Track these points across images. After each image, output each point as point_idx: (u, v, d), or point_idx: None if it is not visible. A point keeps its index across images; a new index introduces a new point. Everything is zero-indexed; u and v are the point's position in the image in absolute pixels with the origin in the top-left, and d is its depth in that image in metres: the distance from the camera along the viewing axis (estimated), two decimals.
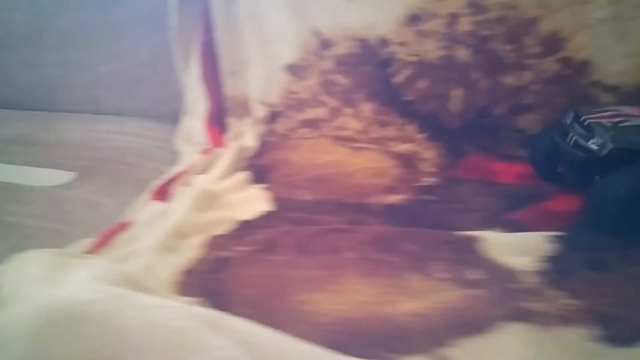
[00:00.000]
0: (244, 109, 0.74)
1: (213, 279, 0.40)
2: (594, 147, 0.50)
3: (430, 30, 0.71)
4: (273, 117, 0.74)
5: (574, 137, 0.53)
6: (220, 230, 0.47)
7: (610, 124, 0.51)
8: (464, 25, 0.70)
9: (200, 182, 0.58)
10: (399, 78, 0.72)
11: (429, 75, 0.71)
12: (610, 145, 0.49)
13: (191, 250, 0.44)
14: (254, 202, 0.53)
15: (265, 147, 0.70)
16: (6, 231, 0.54)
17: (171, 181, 0.60)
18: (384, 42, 0.72)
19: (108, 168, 0.70)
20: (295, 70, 0.73)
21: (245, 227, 0.48)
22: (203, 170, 0.62)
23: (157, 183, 0.61)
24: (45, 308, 0.33)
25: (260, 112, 0.74)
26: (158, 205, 0.52)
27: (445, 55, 0.71)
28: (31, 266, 0.38)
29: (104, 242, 0.48)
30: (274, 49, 0.73)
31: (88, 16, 0.79)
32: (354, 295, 0.38)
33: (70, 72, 0.81)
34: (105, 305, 0.33)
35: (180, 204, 0.50)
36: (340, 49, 0.73)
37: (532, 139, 0.63)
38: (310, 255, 0.42)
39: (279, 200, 0.53)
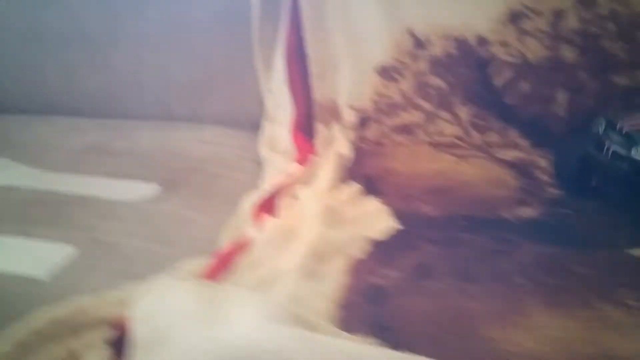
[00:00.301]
0: (332, 114, 0.70)
1: (376, 312, 0.36)
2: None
3: (533, 29, 0.66)
4: (363, 122, 0.69)
5: (612, 148, 0.47)
6: (355, 251, 0.43)
7: None
8: (571, 22, 0.65)
9: (309, 194, 0.54)
10: (498, 80, 0.68)
11: (531, 76, 0.67)
12: None
13: (336, 277, 0.39)
14: (376, 217, 0.49)
15: (360, 155, 0.65)
16: (105, 252, 0.50)
17: (275, 194, 0.56)
18: (483, 41, 0.67)
19: (192, 179, 0.66)
20: (387, 72, 0.69)
21: (384, 248, 0.44)
22: (306, 181, 0.58)
23: (259, 196, 0.56)
24: (216, 354, 0.29)
25: (350, 117, 0.69)
26: (277, 222, 0.48)
27: (549, 56, 0.66)
28: (175, 300, 0.34)
29: (223, 265, 0.44)
30: (364, 49, 0.69)
31: (162, 18, 0.75)
32: (548, 331, 0.33)
33: (142, 76, 0.77)
34: (292, 351, 0.28)
35: (309, 221, 0.46)
36: (436, 49, 0.68)
37: (557, 151, 0.57)
38: (475, 282, 0.38)
39: (402, 216, 0.49)
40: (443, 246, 0.43)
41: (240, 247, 0.46)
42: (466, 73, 0.68)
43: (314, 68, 0.69)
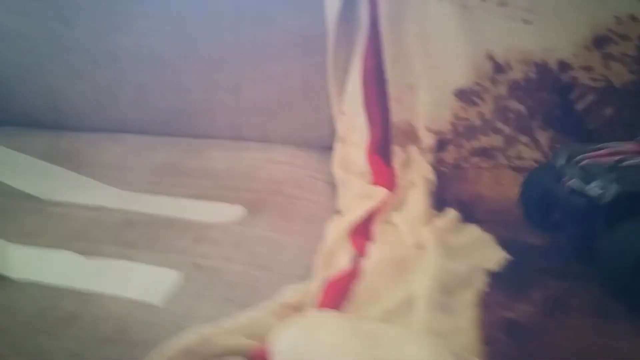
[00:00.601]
0: (409, 136, 0.70)
1: (520, 349, 0.35)
2: (595, 192, 0.42)
3: (619, 53, 0.66)
4: (441, 145, 0.69)
5: (570, 182, 0.45)
6: (477, 283, 0.42)
7: (611, 164, 0.43)
8: None
9: (405, 220, 0.53)
10: (580, 105, 0.67)
11: (616, 101, 0.66)
12: (615, 189, 0.41)
13: (467, 310, 0.39)
14: (484, 247, 0.48)
15: (442, 179, 0.65)
16: (208, 277, 0.50)
17: (368, 219, 0.56)
18: (565, 66, 0.67)
19: (273, 201, 0.66)
20: (466, 95, 0.69)
21: (504, 280, 0.43)
22: (397, 206, 0.58)
23: (351, 220, 0.56)
24: None
25: (428, 139, 0.69)
26: (384, 250, 0.48)
27: (635, 80, 0.66)
28: (322, 334, 0.34)
29: (340, 294, 0.44)
30: (443, 73, 0.69)
31: (236, 39, 0.75)
32: None
33: (215, 97, 0.77)
34: None
35: (421, 250, 0.45)
36: (516, 74, 0.68)
37: (522, 183, 0.55)
38: (614, 319, 0.37)
39: (508, 245, 0.48)
40: (565, 279, 0.42)
41: (350, 277, 0.46)
42: (546, 97, 0.68)
43: (392, 91, 0.69)
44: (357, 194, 0.65)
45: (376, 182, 0.66)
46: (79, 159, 0.74)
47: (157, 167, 0.72)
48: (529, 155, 0.68)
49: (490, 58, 0.68)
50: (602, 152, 0.47)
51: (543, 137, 0.68)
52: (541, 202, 0.50)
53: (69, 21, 0.80)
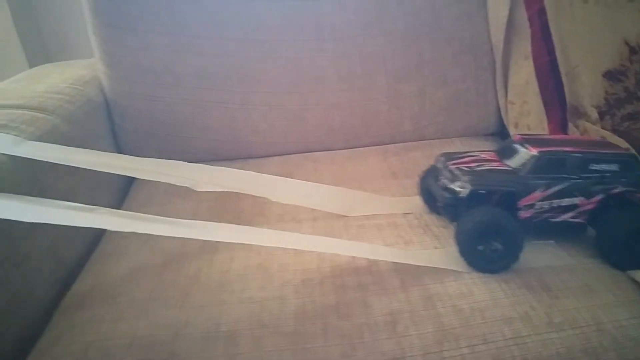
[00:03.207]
0: (579, 114, 0.86)
1: None
2: (457, 189, 0.58)
3: None
4: (600, 116, 0.87)
5: (443, 180, 0.61)
6: None
7: (468, 169, 0.59)
8: None
9: None
10: None
11: None
12: (469, 188, 0.56)
13: None
14: None
15: None
16: None
17: None
18: None
19: None
20: (612, 75, 0.87)
21: None
22: None
23: None
24: None
25: (593, 114, 0.86)
26: None
27: None
28: None
29: None
30: (593, 59, 0.86)
31: (418, 53, 0.86)
32: None
33: (402, 104, 0.87)
34: None
35: None
36: None
37: (419, 179, 0.70)
38: None
39: None
40: None
41: None
42: None
43: (564, 80, 0.85)
44: None
45: None
46: None
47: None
48: None
49: (627, 43, 0.87)
50: (466, 159, 0.63)
51: None
52: (428, 194, 0.68)
53: (243, 54, 0.84)
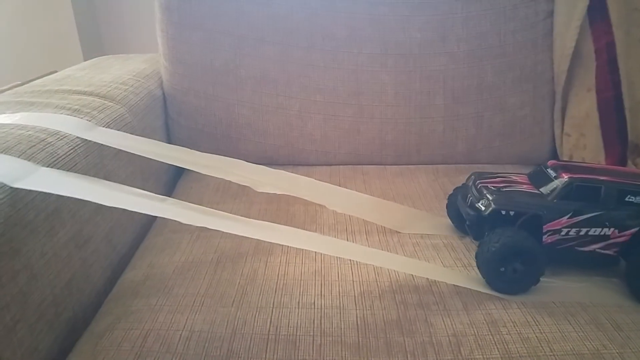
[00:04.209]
0: (637, 152, 0.85)
1: None
2: (481, 207, 0.57)
3: None
4: None
5: (471, 198, 0.61)
6: None
7: (494, 188, 0.59)
8: None
9: None
10: None
11: None
12: (492, 207, 0.56)
13: None
14: None
15: None
16: None
17: None
18: None
19: None
20: None
21: None
22: None
23: None
24: None
25: None
26: None
27: None
28: None
29: None
30: None
31: (479, 76, 0.86)
32: None
33: (457, 126, 0.87)
34: None
35: None
36: None
37: (448, 197, 0.70)
38: None
39: None
40: None
41: None
42: None
43: (628, 116, 0.84)
44: None
45: None
46: None
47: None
48: None
49: None
50: (496, 179, 0.63)
51: None
52: (457, 212, 0.67)
53: (306, 63, 0.85)
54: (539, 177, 0.60)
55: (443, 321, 0.50)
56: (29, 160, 0.51)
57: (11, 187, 0.46)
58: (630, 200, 0.55)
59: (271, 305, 0.52)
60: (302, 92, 0.86)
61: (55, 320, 0.51)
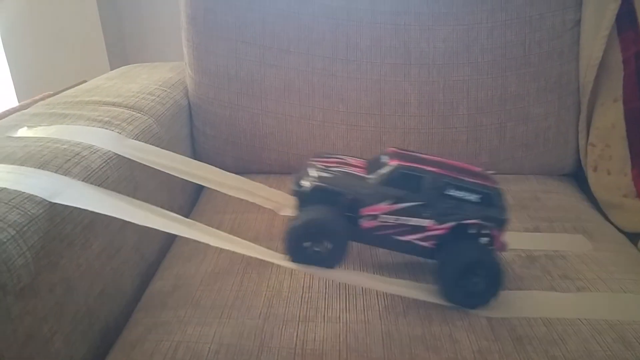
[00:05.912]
0: None
1: None
2: (305, 184, 0.57)
3: None
4: None
5: (304, 176, 0.60)
6: None
7: (323, 167, 0.58)
8: None
9: None
10: None
11: None
12: (312, 185, 0.56)
13: None
14: None
15: None
16: None
17: None
18: None
19: (578, 227, 0.76)
20: None
21: None
22: None
23: None
24: None
25: None
26: None
27: None
28: None
29: None
30: None
31: (503, 86, 0.85)
32: None
33: (481, 136, 0.86)
34: None
35: None
36: None
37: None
38: None
39: None
40: None
41: None
42: None
43: None
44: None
45: None
46: None
47: None
48: None
49: None
50: (330, 159, 0.62)
51: None
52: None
53: (330, 72, 0.86)
54: (374, 163, 0.59)
55: (468, 337, 0.50)
56: (65, 175, 0.53)
57: (50, 202, 0.48)
58: (450, 194, 0.54)
59: (297, 319, 0.53)
60: (325, 102, 0.87)
61: (88, 330, 0.53)
